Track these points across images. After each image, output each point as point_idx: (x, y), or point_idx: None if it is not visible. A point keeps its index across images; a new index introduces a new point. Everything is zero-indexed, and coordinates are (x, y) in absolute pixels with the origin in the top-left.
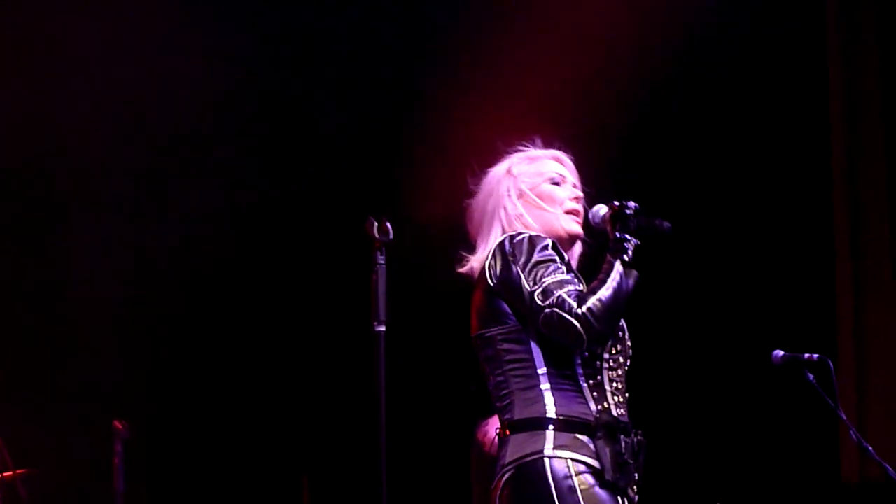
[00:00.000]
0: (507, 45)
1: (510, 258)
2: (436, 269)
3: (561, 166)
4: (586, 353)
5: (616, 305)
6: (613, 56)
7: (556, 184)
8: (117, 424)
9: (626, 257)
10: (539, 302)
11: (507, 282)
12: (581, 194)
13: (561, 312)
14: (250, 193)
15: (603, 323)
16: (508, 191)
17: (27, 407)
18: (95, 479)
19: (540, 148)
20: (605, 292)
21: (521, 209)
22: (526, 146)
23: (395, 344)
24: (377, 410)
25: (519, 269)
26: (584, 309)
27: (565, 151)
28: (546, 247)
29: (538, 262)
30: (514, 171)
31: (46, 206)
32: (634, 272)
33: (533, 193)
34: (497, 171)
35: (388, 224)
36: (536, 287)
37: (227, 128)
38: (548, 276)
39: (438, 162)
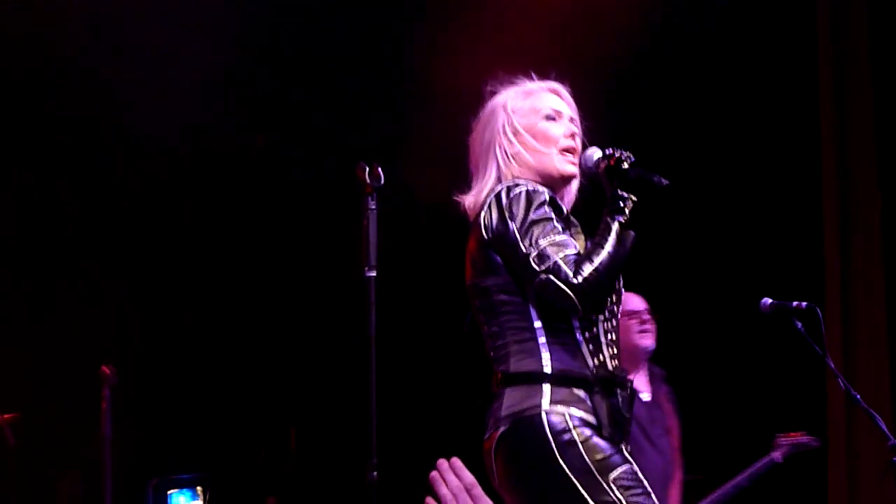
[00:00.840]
0: None
1: (506, 213)
2: (427, 215)
3: (558, 100)
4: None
5: (613, 272)
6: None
7: (552, 119)
8: (105, 369)
9: (622, 218)
10: (535, 266)
11: (503, 238)
12: (577, 130)
13: (556, 281)
14: (242, 138)
15: (599, 292)
16: (504, 127)
17: (13, 352)
18: (83, 424)
19: (536, 81)
20: (601, 259)
21: (517, 147)
22: (522, 79)
23: (385, 289)
24: (367, 356)
25: (515, 227)
26: (580, 279)
27: (563, 83)
28: (543, 202)
29: (534, 221)
30: (510, 106)
31: None
32: (632, 233)
33: (528, 132)
34: (494, 104)
35: (380, 169)
36: (532, 249)
37: (217, 73)
38: (544, 237)
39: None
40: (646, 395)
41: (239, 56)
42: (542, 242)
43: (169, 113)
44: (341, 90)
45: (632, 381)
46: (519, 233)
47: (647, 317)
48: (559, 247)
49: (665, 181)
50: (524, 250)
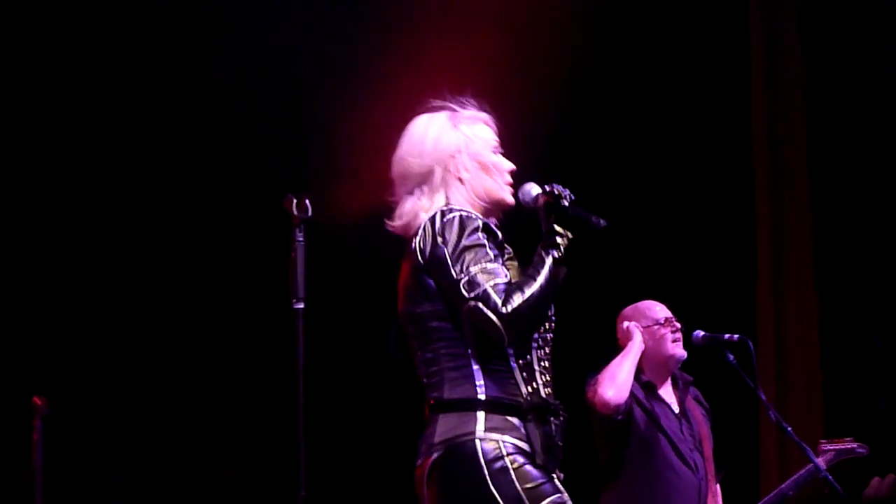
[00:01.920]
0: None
1: (439, 238)
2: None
3: (491, 132)
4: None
5: (542, 304)
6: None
7: (499, 151)
8: (37, 400)
9: (557, 254)
10: (464, 292)
11: (436, 262)
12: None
13: (484, 309)
14: (171, 169)
15: (526, 323)
16: (458, 150)
17: None
18: (14, 455)
19: (474, 109)
20: (532, 291)
21: (471, 173)
22: (463, 104)
23: (313, 321)
24: (296, 388)
25: (447, 252)
26: (508, 308)
27: (492, 117)
28: (476, 229)
29: (467, 247)
30: (463, 130)
31: None
32: (564, 269)
33: (479, 160)
34: (437, 123)
35: (307, 201)
36: (463, 275)
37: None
38: (475, 263)
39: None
40: (675, 407)
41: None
42: (473, 269)
43: None
44: (269, 120)
45: (621, 406)
46: (451, 258)
47: (677, 325)
48: (490, 275)
49: (603, 222)
50: (454, 276)
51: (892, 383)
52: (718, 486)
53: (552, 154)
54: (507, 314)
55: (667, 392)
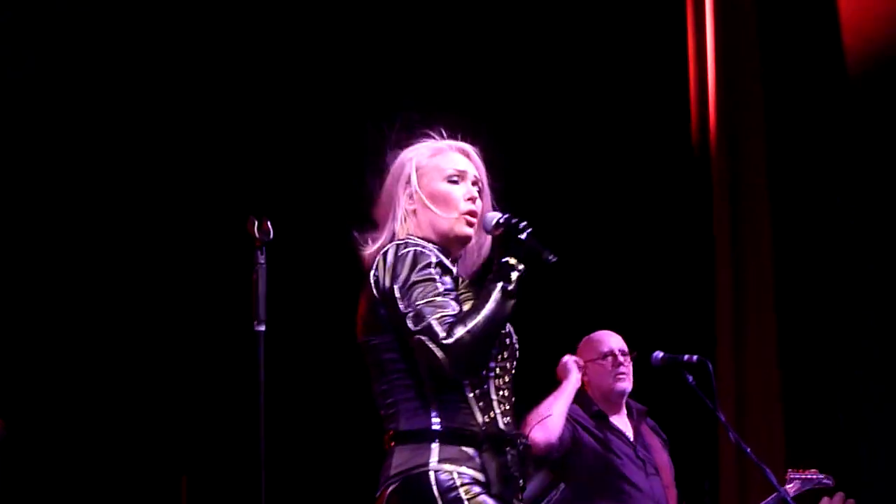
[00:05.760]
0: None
1: (391, 272)
2: (318, 269)
3: (465, 160)
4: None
5: (486, 336)
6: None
7: (454, 182)
8: None
9: (508, 286)
10: (410, 326)
11: (388, 296)
12: (476, 195)
13: (427, 342)
14: (132, 191)
15: (468, 356)
16: (406, 183)
17: None
18: None
19: (446, 139)
20: (475, 322)
21: (416, 205)
22: (432, 135)
23: (274, 344)
24: (256, 410)
25: (397, 287)
26: (451, 340)
27: (472, 143)
28: (428, 265)
29: (416, 282)
30: (414, 163)
31: None
32: (512, 302)
33: (429, 192)
34: (401, 158)
35: (269, 223)
36: (409, 310)
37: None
38: (422, 298)
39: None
40: (629, 434)
41: None
42: (420, 303)
43: None
44: (232, 142)
45: (553, 445)
46: (400, 292)
47: (621, 358)
48: (436, 308)
49: (553, 258)
50: (402, 310)
51: (852, 402)
52: None
53: (506, 179)
54: (450, 345)
55: (621, 421)
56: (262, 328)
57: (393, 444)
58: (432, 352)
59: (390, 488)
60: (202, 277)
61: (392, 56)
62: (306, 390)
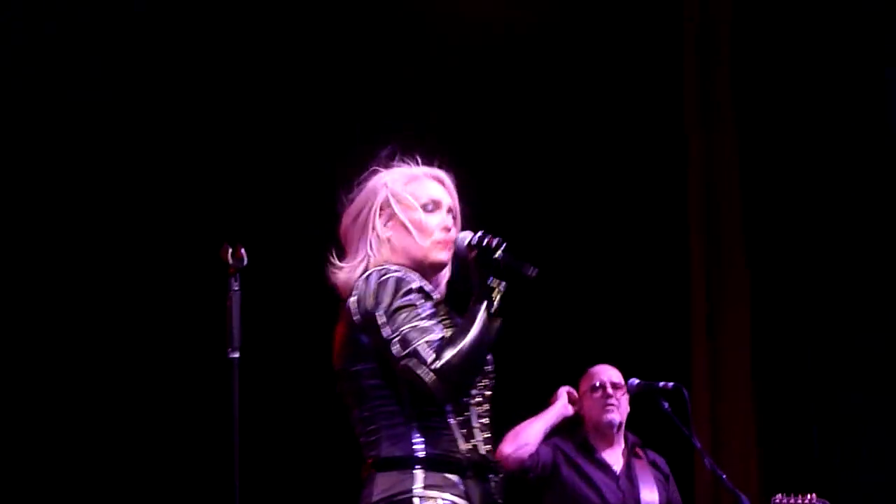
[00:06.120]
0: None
1: (373, 298)
2: (292, 296)
3: (440, 189)
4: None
5: (475, 357)
6: None
7: (430, 210)
8: None
9: (492, 307)
10: (396, 352)
11: (370, 322)
12: (451, 224)
13: (414, 368)
14: (104, 215)
15: (459, 377)
16: (381, 210)
17: None
18: None
19: (421, 166)
20: (462, 345)
21: (390, 232)
22: (407, 162)
23: (249, 371)
24: (231, 439)
25: (380, 313)
26: (439, 364)
27: (447, 171)
28: (410, 290)
29: (399, 308)
30: (389, 189)
31: None
32: (498, 322)
33: (404, 220)
34: (374, 183)
35: (243, 250)
36: (395, 335)
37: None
38: (408, 323)
39: (294, 186)
40: (616, 468)
41: None
42: (405, 328)
43: None
44: (207, 168)
45: (524, 463)
46: (385, 317)
47: (610, 390)
48: (422, 332)
49: (534, 271)
50: (387, 336)
51: (827, 431)
52: None
53: (480, 200)
54: (439, 369)
55: (612, 453)
56: (237, 355)
57: (374, 471)
58: (420, 377)
59: None
60: (176, 304)
61: (366, 79)
62: (281, 418)
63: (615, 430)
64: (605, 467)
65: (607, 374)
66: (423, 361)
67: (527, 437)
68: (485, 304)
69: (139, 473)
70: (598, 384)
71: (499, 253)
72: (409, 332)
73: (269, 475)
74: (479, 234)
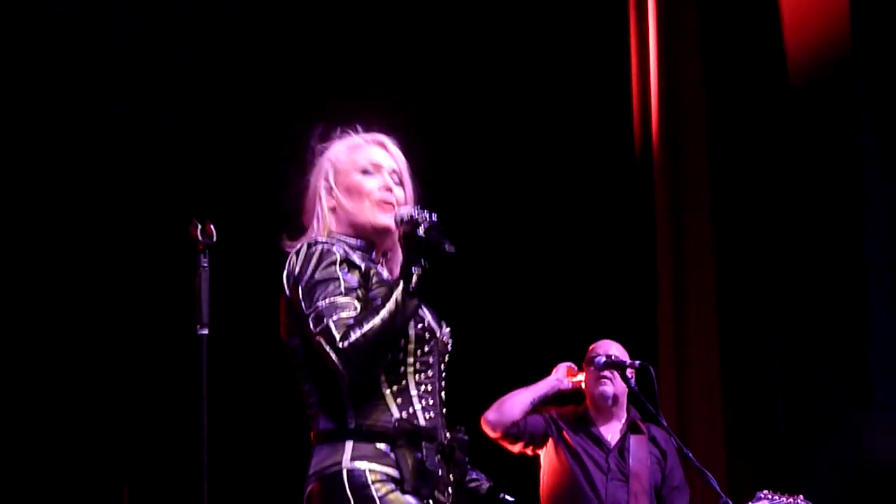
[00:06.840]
0: None
1: (298, 272)
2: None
3: (381, 152)
4: (388, 357)
5: (383, 340)
6: None
7: (368, 173)
8: None
9: (409, 286)
10: (311, 327)
11: (296, 297)
12: (391, 184)
13: (324, 344)
14: (73, 193)
15: (362, 359)
16: (324, 180)
17: None
18: None
19: (362, 134)
20: (372, 324)
21: (333, 201)
22: (349, 132)
23: (217, 347)
24: (199, 415)
25: (300, 287)
26: (346, 343)
27: (390, 135)
28: (332, 262)
29: (318, 281)
30: (331, 160)
31: None
32: (415, 301)
33: (342, 187)
34: (321, 159)
35: (212, 227)
36: (311, 311)
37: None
38: (324, 298)
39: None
40: (610, 442)
41: None
42: (321, 304)
43: None
44: (174, 144)
45: (507, 429)
46: (302, 292)
47: (601, 364)
48: (335, 309)
49: (452, 249)
50: (305, 310)
51: (793, 407)
52: None
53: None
54: (344, 349)
55: (610, 428)
56: (205, 332)
57: (315, 443)
58: (327, 354)
59: (308, 488)
60: (144, 281)
61: (330, 55)
62: (249, 394)
63: (610, 402)
64: (599, 441)
65: (605, 347)
66: (331, 341)
67: (511, 406)
68: (402, 283)
69: (108, 447)
70: (591, 359)
71: (421, 230)
72: (324, 308)
73: (237, 451)
74: (412, 209)
